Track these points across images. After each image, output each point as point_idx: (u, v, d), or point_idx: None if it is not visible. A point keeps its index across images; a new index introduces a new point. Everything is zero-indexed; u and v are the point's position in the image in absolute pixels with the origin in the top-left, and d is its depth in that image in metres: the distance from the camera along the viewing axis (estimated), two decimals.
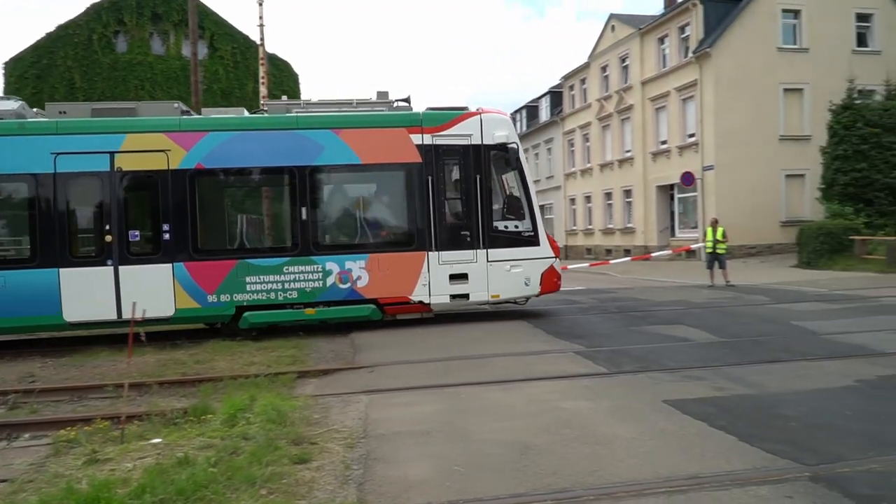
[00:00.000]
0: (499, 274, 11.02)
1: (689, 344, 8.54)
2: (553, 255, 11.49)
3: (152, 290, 10.04)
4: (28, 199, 10.03)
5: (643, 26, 30.55)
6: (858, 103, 21.40)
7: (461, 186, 11.14)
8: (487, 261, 11.00)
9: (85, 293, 9.92)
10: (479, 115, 11.24)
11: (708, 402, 5.61)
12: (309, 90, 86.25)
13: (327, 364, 8.30)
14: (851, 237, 19.27)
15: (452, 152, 11.06)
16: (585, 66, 36.13)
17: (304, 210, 10.61)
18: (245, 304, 10.35)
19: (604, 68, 34.18)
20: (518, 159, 11.31)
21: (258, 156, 10.61)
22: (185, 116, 10.73)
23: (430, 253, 10.85)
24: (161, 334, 10.45)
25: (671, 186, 28.29)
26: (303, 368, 7.96)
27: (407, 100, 11.48)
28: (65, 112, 10.52)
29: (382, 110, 11.25)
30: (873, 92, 23.01)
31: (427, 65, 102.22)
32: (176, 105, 10.87)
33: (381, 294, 10.73)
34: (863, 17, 26.75)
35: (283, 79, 27.72)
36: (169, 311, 10.13)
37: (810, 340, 8.47)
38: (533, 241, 11.29)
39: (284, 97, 15.06)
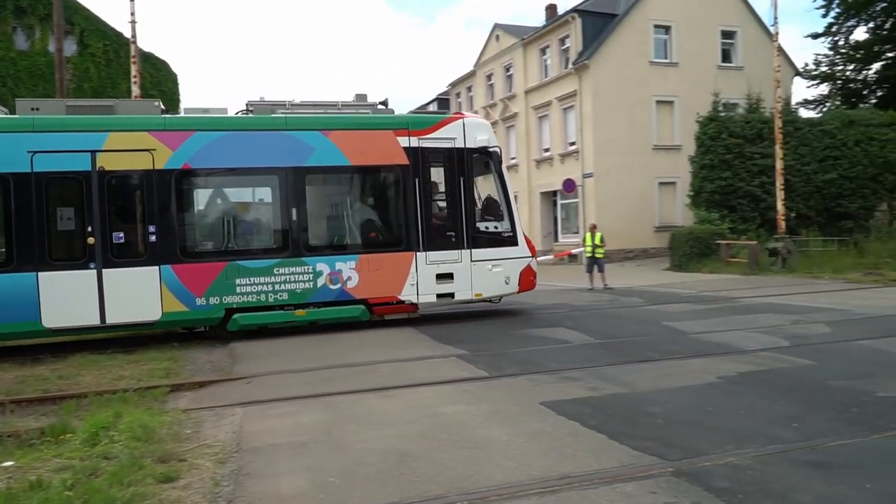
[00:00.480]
0: (482, 273, 11.35)
1: (568, 346, 8.80)
2: (530, 254, 11.90)
3: (138, 293, 9.78)
4: (2, 200, 9.45)
5: (526, 37, 31.44)
6: (723, 116, 22.91)
7: (446, 188, 11.40)
8: (471, 260, 11.30)
9: (66, 298, 9.49)
10: (461, 120, 11.58)
11: (582, 402, 5.77)
12: (189, 91, 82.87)
13: (203, 376, 7.93)
14: (717, 241, 20.57)
15: (437, 155, 11.28)
16: (472, 74, 36.76)
17: (294, 211, 10.58)
18: (235, 306, 10.22)
19: (489, 77, 34.90)
20: (498, 162, 11.71)
21: (247, 156, 10.45)
22: (169, 115, 10.54)
23: (417, 253, 11.03)
24: (22, 348, 9.68)
25: (554, 193, 29.20)
26: (176, 381, 7.56)
27: (385, 103, 11.68)
28: (37, 109, 9.96)
29: (367, 112, 11.40)
30: (736, 105, 24.71)
31: (316, 70, 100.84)
32: (156, 103, 10.62)
33: (371, 294, 10.83)
34: (727, 35, 28.71)
35: (161, 79, 26.47)
36: (155, 316, 9.89)
37: (679, 340, 8.93)
38: (512, 241, 11.67)
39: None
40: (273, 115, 10.78)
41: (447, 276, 11.15)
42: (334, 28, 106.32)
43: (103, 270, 9.67)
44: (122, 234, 9.93)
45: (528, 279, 11.79)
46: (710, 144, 22.16)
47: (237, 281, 10.20)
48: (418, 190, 11.07)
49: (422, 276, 11.00)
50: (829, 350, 7.79)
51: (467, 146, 11.40)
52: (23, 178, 9.44)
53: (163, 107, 10.63)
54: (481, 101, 35.34)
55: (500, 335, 9.83)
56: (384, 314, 11.11)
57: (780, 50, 20.57)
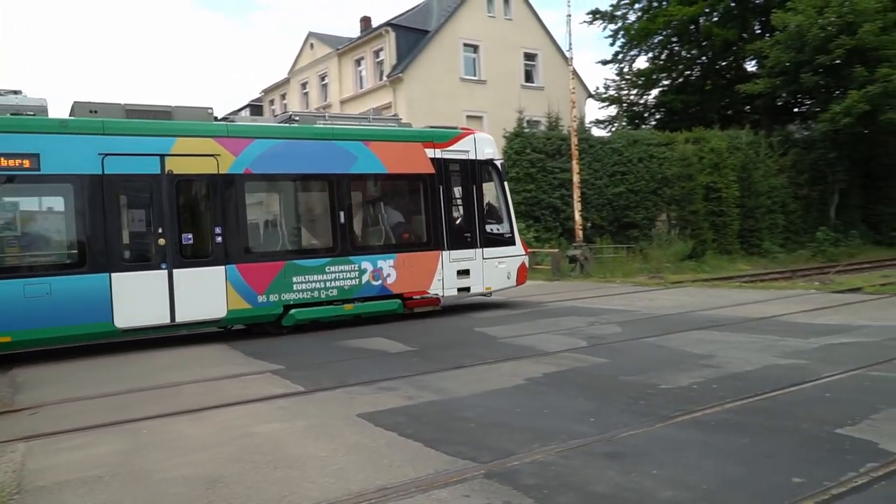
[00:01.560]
0: (491, 269, 12.94)
1: (385, 355, 8.86)
2: (524, 252, 13.72)
3: (205, 292, 10.15)
4: (75, 201, 9.49)
5: (341, 47, 31.46)
6: (527, 132, 24.39)
7: (463, 195, 12.82)
8: (483, 258, 12.84)
9: (138, 298, 9.69)
10: (474, 135, 13.17)
11: (399, 411, 5.83)
12: None
13: None
14: None
15: (456, 165, 12.68)
16: (286, 82, 36.09)
17: (341, 214, 11.43)
18: (291, 302, 10.87)
19: (304, 85, 34.47)
20: (502, 173, 13.30)
21: (300, 163, 11.19)
22: (230, 123, 11.29)
23: (443, 252, 12.36)
24: None
25: None
26: None
27: (396, 116, 13.10)
28: (95, 111, 9.99)
29: (393, 126, 12.69)
30: (539, 122, 26.43)
31: (131, 70, 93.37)
32: (210, 110, 11.03)
33: (405, 289, 11.98)
34: (529, 57, 30.68)
35: None
36: (221, 313, 10.33)
37: (490, 345, 9.33)
38: (512, 241, 13.41)
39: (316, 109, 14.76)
40: (321, 126, 11.71)
41: (465, 273, 12.62)
42: (147, 27, 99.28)
43: (173, 270, 9.97)
44: (190, 236, 10.26)
45: (523, 274, 13.62)
46: (516, 158, 23.47)
47: (294, 279, 10.91)
48: (442, 196, 12.43)
49: (446, 273, 12.39)
50: (620, 348, 8.52)
51: (478, 158, 12.97)
52: (94, 179, 9.55)
53: (214, 114, 11.15)
54: (296, 110, 34.77)
55: (317, 348, 9.69)
56: (414, 307, 12.31)
57: (575, 73, 22.33)
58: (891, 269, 19.73)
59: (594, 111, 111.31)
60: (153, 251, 9.97)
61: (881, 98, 25.08)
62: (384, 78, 28.08)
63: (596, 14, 35.56)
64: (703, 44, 33.10)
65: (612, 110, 37.27)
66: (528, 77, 30.73)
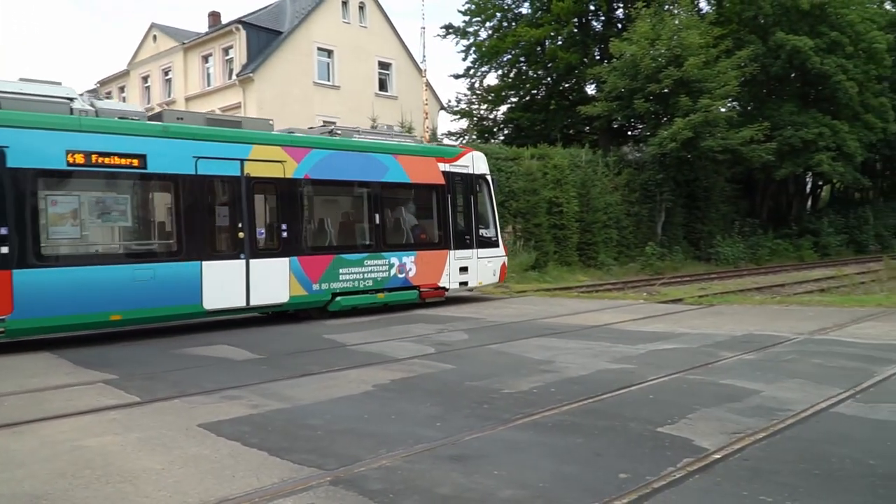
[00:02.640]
0: (483, 267, 15.14)
1: (230, 363, 8.56)
2: (505, 254, 15.99)
3: (273, 280, 11.71)
4: (174, 198, 10.78)
5: (187, 41, 30.05)
6: None
7: (463, 203, 14.89)
8: (478, 258, 15.02)
9: (222, 283, 11.08)
10: (472, 153, 15.40)
11: (243, 420, 5.66)
12: None
13: None
14: None
15: (459, 178, 14.72)
16: (125, 74, 33.91)
17: (376, 216, 13.28)
18: (337, 290, 12.61)
19: (145, 78, 32.59)
20: (492, 185, 15.46)
21: (346, 171, 12.94)
22: (292, 133, 12.89)
23: (450, 251, 14.44)
24: None
25: None
26: None
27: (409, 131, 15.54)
28: (182, 118, 11.49)
29: (409, 142, 14.92)
30: None
31: None
32: (270, 121, 12.79)
33: (422, 282, 13.96)
34: (384, 65, 30.87)
35: None
36: (284, 299, 11.92)
37: (339, 352, 9.28)
38: (497, 244, 15.69)
39: (362, 125, 17.27)
40: (363, 140, 13.53)
41: (465, 270, 14.76)
42: None
43: (250, 261, 11.45)
44: (263, 231, 11.91)
45: (503, 271, 15.93)
46: None
47: (340, 270, 12.65)
48: (450, 204, 14.46)
49: (452, 269, 14.46)
50: (467, 355, 8.79)
51: (475, 172, 15.13)
52: (189, 179, 10.87)
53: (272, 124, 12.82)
54: (138, 104, 32.74)
55: (155, 356, 9.16)
56: (426, 298, 14.19)
57: (429, 85, 22.76)
58: (707, 282, 21.76)
59: (446, 123, 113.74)
60: (234, 243, 11.43)
61: (702, 126, 27.59)
62: (234, 77, 27.13)
63: (449, 29, 36.44)
64: (549, 65, 34.85)
65: (464, 123, 38.39)
66: (382, 85, 30.92)
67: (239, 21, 28.43)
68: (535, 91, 37.19)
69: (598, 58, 34.58)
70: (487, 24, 36.34)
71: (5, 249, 9.32)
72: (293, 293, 11.97)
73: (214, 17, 33.16)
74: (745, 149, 29.38)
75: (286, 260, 11.92)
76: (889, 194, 49.76)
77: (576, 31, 34.49)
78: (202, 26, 33.34)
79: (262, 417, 5.77)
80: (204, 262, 10.94)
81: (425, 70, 21.67)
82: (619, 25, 34.56)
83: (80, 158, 9.89)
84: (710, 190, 32.90)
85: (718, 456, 4.50)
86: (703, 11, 35.28)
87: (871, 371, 6.98)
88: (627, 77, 28.87)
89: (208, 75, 29.27)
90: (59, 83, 10.74)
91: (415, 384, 7.05)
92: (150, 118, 11.37)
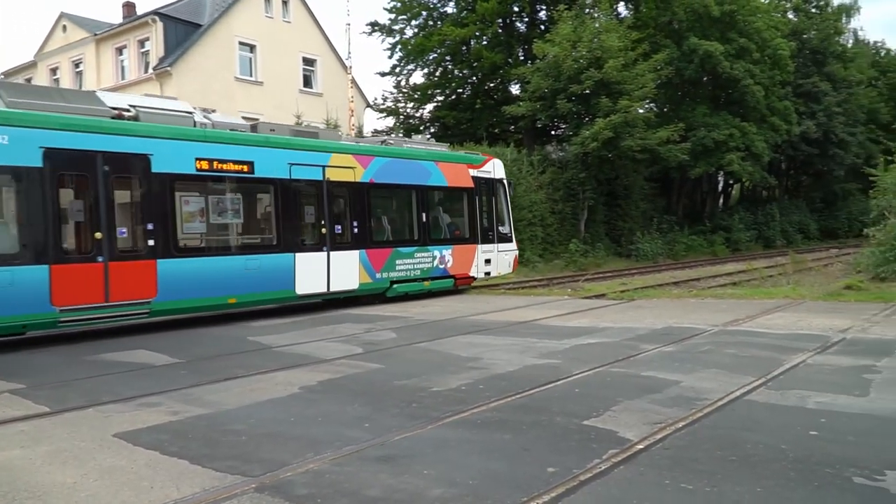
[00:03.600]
0: (501, 259, 17.49)
1: (149, 369, 8.24)
2: (516, 248, 18.45)
3: (347, 269, 13.72)
4: (274, 198, 12.80)
5: (99, 32, 28.79)
6: None
7: (487, 203, 17.10)
8: (497, 251, 17.36)
9: (310, 272, 13.08)
10: (493, 160, 17.62)
11: (162, 428, 5.45)
12: None
13: None
14: None
15: (484, 182, 16.97)
16: (32, 65, 32.20)
17: (423, 215, 15.45)
18: (394, 279, 14.68)
19: (54, 70, 31.07)
20: (508, 188, 18.07)
21: (400, 176, 14.95)
22: (358, 143, 15.26)
23: (478, 245, 16.75)
24: None
25: None
26: None
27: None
28: (273, 130, 13.34)
29: (443, 150, 17.42)
30: (317, 128, 26.25)
31: None
32: (340, 132, 16.02)
33: (456, 272, 16.26)
34: (308, 62, 30.39)
35: None
36: (355, 285, 13.93)
37: (264, 354, 9.07)
38: (511, 238, 18.15)
39: (416, 136, 19.39)
40: (412, 148, 16.06)
41: (488, 261, 17.13)
42: None
43: (330, 253, 13.43)
44: (339, 227, 13.72)
45: (515, 263, 18.51)
46: None
47: (396, 262, 14.76)
48: (477, 204, 16.79)
49: (478, 260, 16.82)
50: (394, 354, 8.74)
51: (495, 177, 17.44)
52: (285, 182, 12.78)
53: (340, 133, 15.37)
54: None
55: (68, 364, 8.72)
56: (459, 285, 16.62)
57: (354, 83, 22.53)
58: (628, 277, 22.37)
59: (372, 121, 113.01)
60: (318, 238, 13.43)
61: (622, 127, 28.34)
62: (150, 70, 26.13)
63: (374, 26, 36.16)
64: (474, 65, 35.09)
65: (390, 121, 38.19)
66: (307, 82, 30.42)
67: (155, 12, 27.42)
68: (460, 90, 37.37)
69: (522, 58, 35.04)
70: (413, 22, 36.24)
71: (151, 242, 11.07)
72: (362, 281, 14.13)
73: (129, 7, 31.84)
74: (662, 149, 30.38)
75: (357, 252, 14.05)
76: (793, 192, 52.52)
77: (500, 31, 34.85)
78: (116, 17, 32.01)
79: (182, 424, 5.57)
80: (297, 254, 12.96)
81: (351, 67, 21.49)
82: (542, 27, 35.13)
83: (205, 165, 11.74)
84: (629, 188, 33.87)
85: (641, 446, 4.62)
86: (622, 16, 36.30)
87: (781, 360, 7.32)
88: (550, 78, 29.37)
89: (122, 68, 28.10)
90: (175, 98, 14.20)
91: (342, 385, 6.96)
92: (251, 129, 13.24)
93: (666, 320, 10.74)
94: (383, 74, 37.47)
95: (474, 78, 36.54)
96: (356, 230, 14.01)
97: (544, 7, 35.85)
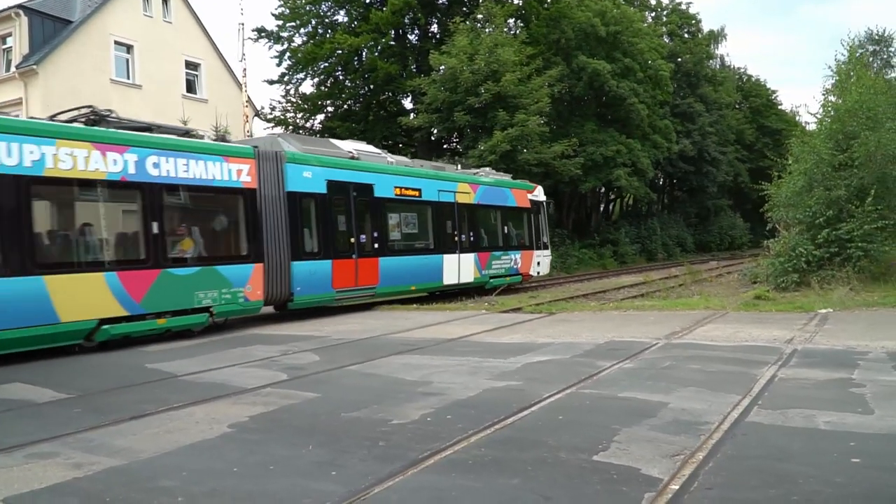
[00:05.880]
0: (545, 262, 23.28)
1: (30, 408, 6.79)
2: (550, 254, 24.44)
3: (468, 267, 18.90)
4: (431, 215, 17.99)
5: None
6: None
7: (535, 219, 22.46)
8: (543, 256, 22.97)
9: (450, 268, 18.22)
10: (538, 187, 23.34)
11: (67, 489, 4.25)
12: None
13: None
14: None
15: (534, 203, 22.40)
16: None
17: (505, 227, 21.08)
18: (490, 276, 19.95)
19: None
20: (547, 208, 24.85)
21: (493, 199, 20.39)
22: (475, 175, 20.79)
23: (534, 251, 22.14)
24: None
25: None
26: None
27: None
28: (423, 164, 19.33)
29: (505, 178, 22.21)
30: (204, 137, 24.41)
31: None
32: (457, 167, 21.44)
33: (523, 271, 21.51)
34: (192, 66, 28.39)
35: None
36: (471, 279, 19.08)
37: (171, 385, 7.80)
38: (548, 247, 23.97)
39: (485, 170, 22.72)
40: (497, 178, 21.53)
41: (539, 263, 22.47)
42: None
43: (460, 255, 18.61)
44: (464, 236, 18.82)
45: (548, 266, 24.18)
46: None
47: (493, 262, 19.92)
48: (532, 220, 22.18)
49: (534, 262, 22.12)
50: (327, 379, 7.73)
51: (541, 199, 22.98)
52: (437, 203, 18.05)
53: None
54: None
55: None
56: (523, 280, 22.02)
57: (246, 87, 21.09)
58: (532, 290, 22.16)
59: (261, 131, 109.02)
60: (453, 244, 18.31)
61: (518, 140, 28.43)
62: (13, 69, 23.39)
63: (262, 32, 34.52)
64: (367, 76, 34.18)
65: (279, 131, 36.44)
66: (190, 87, 28.37)
67: (19, 6, 24.63)
68: (351, 101, 36.34)
69: (415, 70, 34.53)
70: (302, 30, 34.94)
71: (376, 245, 15.75)
72: (475, 276, 19.18)
73: None
74: (557, 163, 30.72)
75: (473, 255, 19.08)
76: (669, 208, 55.11)
77: (393, 43, 34.23)
78: None
79: (92, 482, 4.38)
80: (444, 255, 18.07)
81: (245, 70, 20.08)
82: (434, 40, 34.82)
83: (399, 191, 16.70)
84: None
85: (676, 486, 3.95)
86: (515, 32, 36.64)
87: (752, 374, 6.95)
88: (447, 90, 29.03)
89: None
90: (364, 142, 19.60)
91: (281, 420, 5.90)
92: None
93: (603, 334, 10.30)
94: (271, 82, 35.63)
95: (367, 88, 35.64)
96: (472, 238, 19.12)
97: (436, 20, 35.60)
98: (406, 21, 34.39)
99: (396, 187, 16.52)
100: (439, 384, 7.07)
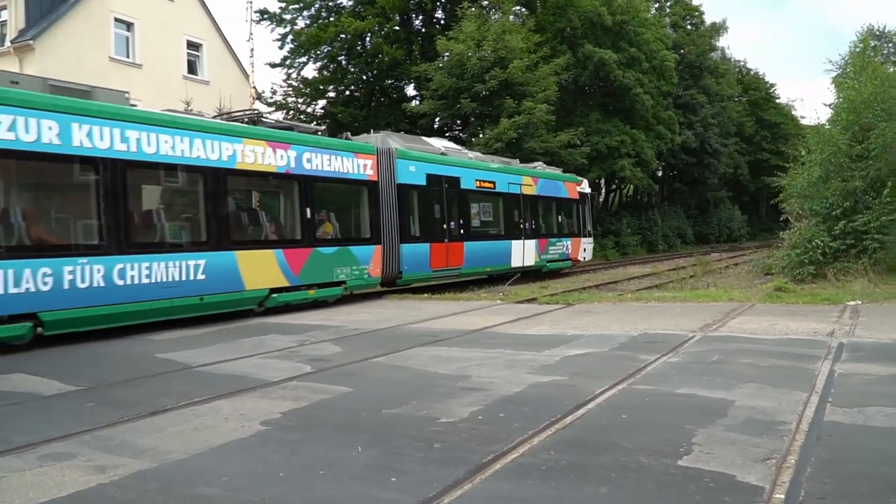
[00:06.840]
0: (589, 248, 25.96)
1: (36, 401, 6.30)
2: (592, 241, 27.43)
3: (530, 252, 21.04)
4: (502, 204, 20.11)
5: None
6: None
7: (582, 209, 24.76)
8: (589, 243, 25.77)
9: (516, 253, 20.29)
10: (584, 180, 25.73)
11: (93, 497, 3.78)
12: None
13: None
14: None
15: (581, 194, 24.73)
16: None
17: (559, 216, 23.33)
18: (546, 260, 22.08)
19: None
20: (591, 199, 26.97)
21: (550, 190, 22.58)
22: (538, 169, 23.02)
23: (581, 238, 24.59)
24: None
25: None
26: None
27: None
28: (483, 158, 20.64)
29: (557, 172, 24.28)
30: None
31: None
32: (515, 161, 22.66)
33: (573, 256, 23.94)
34: (193, 46, 27.72)
35: None
36: (532, 263, 21.27)
37: (187, 376, 7.32)
38: (591, 234, 26.45)
39: (539, 164, 24.51)
40: (552, 172, 23.66)
41: (584, 250, 24.94)
42: None
43: (525, 241, 20.70)
44: (526, 224, 20.83)
45: (591, 252, 26.71)
46: None
47: (549, 248, 22.20)
48: (580, 210, 24.55)
49: (581, 249, 24.50)
50: (356, 372, 7.27)
51: (586, 191, 25.20)
52: (505, 194, 20.09)
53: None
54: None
55: None
56: (573, 266, 24.45)
57: (251, 69, 20.50)
58: (541, 280, 21.74)
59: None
60: (519, 231, 20.50)
61: (525, 128, 27.96)
62: (7, 43, 22.70)
63: (264, 14, 33.86)
64: (371, 61, 33.54)
65: (280, 116, 35.78)
66: (192, 68, 27.71)
67: None
68: (354, 87, 35.71)
69: (419, 56, 33.92)
70: (305, 12, 34.26)
71: (462, 231, 17.85)
72: (535, 260, 21.24)
73: None
74: (563, 152, 30.26)
75: (534, 241, 21.09)
76: (669, 199, 54.72)
77: (398, 28, 33.59)
78: None
79: (121, 489, 3.91)
80: (512, 241, 20.04)
81: (252, 50, 19.54)
82: (440, 25, 34.21)
83: (479, 183, 18.85)
84: None
85: (781, 496, 3.52)
86: (521, 20, 36.04)
87: (809, 370, 6.53)
88: (454, 76, 28.49)
89: None
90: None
91: (317, 418, 5.44)
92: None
93: (633, 326, 9.86)
94: (273, 66, 34.99)
95: (370, 73, 34.99)
96: (533, 226, 21.09)
97: (442, 5, 34.96)
98: (412, 5, 33.74)
99: (477, 180, 18.77)
100: (478, 378, 6.62)
